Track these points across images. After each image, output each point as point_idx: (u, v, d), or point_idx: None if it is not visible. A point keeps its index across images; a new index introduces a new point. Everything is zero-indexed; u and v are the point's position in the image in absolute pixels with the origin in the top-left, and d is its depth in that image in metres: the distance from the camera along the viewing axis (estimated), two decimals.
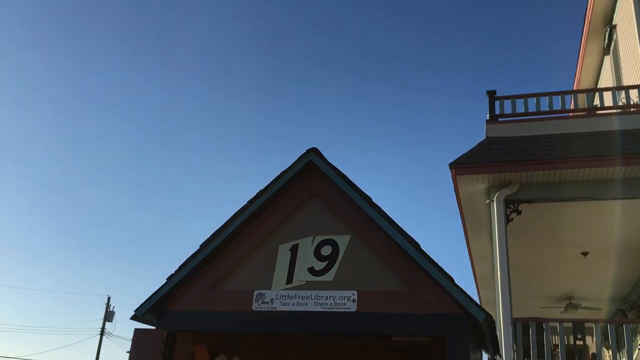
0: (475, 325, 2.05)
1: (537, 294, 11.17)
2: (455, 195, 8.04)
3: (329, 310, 2.19)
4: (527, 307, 10.94)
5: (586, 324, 7.45)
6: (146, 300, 2.30)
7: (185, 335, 2.41)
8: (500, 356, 2.55)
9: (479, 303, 2.02)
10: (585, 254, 9.36)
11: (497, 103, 8.32)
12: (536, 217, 8.27)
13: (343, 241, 2.32)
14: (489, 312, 8.95)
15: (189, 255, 2.35)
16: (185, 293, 2.35)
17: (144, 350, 2.26)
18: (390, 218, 2.22)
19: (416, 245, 2.17)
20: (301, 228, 2.40)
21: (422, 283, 2.12)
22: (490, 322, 2.11)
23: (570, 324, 7.80)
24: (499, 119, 8.23)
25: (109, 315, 36.90)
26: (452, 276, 2.09)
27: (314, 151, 2.41)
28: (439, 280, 2.07)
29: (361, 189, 2.33)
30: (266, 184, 2.40)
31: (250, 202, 2.38)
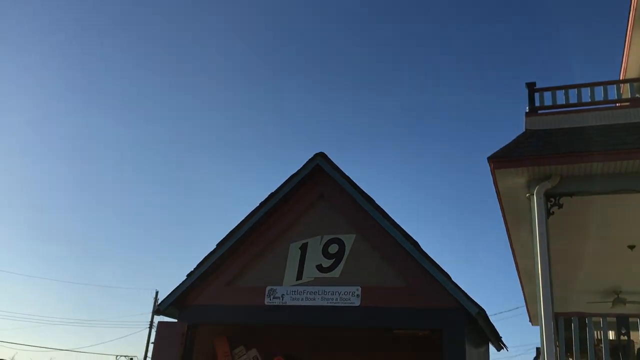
0: (470, 318, 2.18)
1: (583, 289, 10.95)
2: (494, 189, 8.03)
3: (335, 304, 2.37)
4: (574, 302, 10.76)
5: (631, 319, 7.33)
6: (168, 296, 2.53)
7: (207, 328, 2.64)
8: (505, 347, 2.67)
9: (472, 299, 2.16)
10: (631, 247, 9.15)
11: (536, 95, 8.24)
12: (579, 210, 8.16)
13: (349, 240, 2.49)
14: (532, 307, 8.95)
15: (207, 254, 2.57)
16: (204, 289, 2.57)
17: (167, 342, 2.49)
18: (392, 219, 2.38)
19: (416, 244, 2.32)
20: (310, 228, 2.58)
21: (421, 279, 2.27)
22: (484, 316, 2.24)
23: (615, 319, 7.69)
24: (539, 111, 8.16)
25: (157, 309, 37.77)
26: (448, 273, 2.23)
27: (321, 155, 2.58)
28: (436, 277, 2.21)
29: (365, 191, 2.48)
30: (276, 188, 2.58)
31: (262, 205, 2.58)
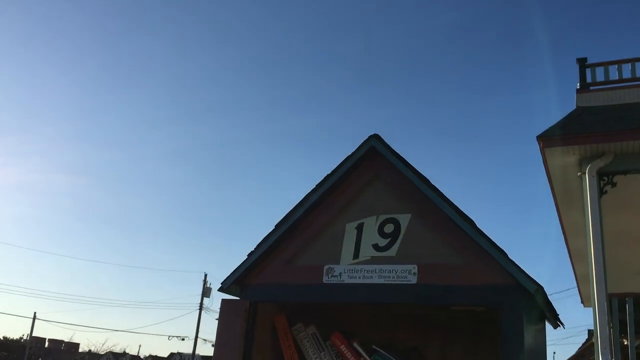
0: (528, 296, 2.24)
1: (638, 270, 10.75)
2: (544, 169, 7.95)
3: (392, 282, 2.46)
4: (628, 284, 10.57)
5: None
6: (230, 274, 2.68)
7: (266, 306, 2.76)
8: (562, 325, 2.71)
9: (529, 275, 2.23)
10: None
11: (588, 71, 8.08)
12: (634, 188, 8.02)
13: (404, 219, 2.57)
14: (585, 287, 8.96)
15: (266, 234, 2.69)
16: (264, 268, 2.70)
17: (231, 318, 2.64)
18: (447, 198, 2.46)
19: (471, 222, 2.39)
20: (365, 208, 2.68)
21: (477, 257, 2.34)
22: (542, 292, 2.30)
23: None
24: (590, 88, 8.01)
25: (206, 291, 39.43)
26: (504, 250, 2.29)
27: (375, 137, 2.67)
28: (492, 254, 2.29)
29: (419, 171, 2.55)
30: (332, 169, 2.67)
31: (318, 186, 2.69)
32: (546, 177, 8.56)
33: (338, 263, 2.68)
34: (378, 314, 3.10)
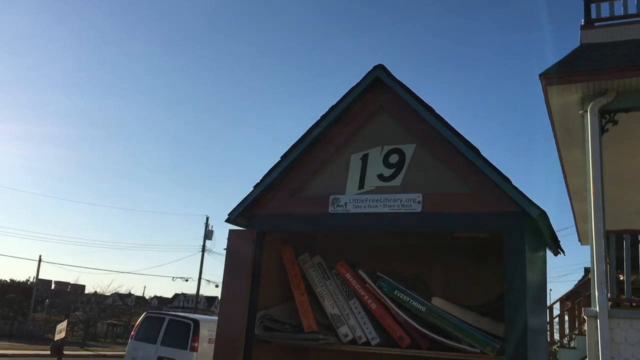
0: (531, 221, 2.28)
1: (636, 208, 10.87)
2: (546, 107, 7.92)
3: (397, 211, 2.50)
4: (626, 222, 10.68)
5: None
6: (237, 205, 2.71)
7: (273, 237, 2.81)
8: (562, 252, 2.77)
9: (533, 201, 2.26)
10: None
11: (593, 6, 7.93)
12: (635, 126, 8.01)
13: (409, 150, 2.59)
14: (583, 226, 9.09)
15: (272, 166, 2.71)
16: (270, 199, 2.74)
17: (239, 247, 2.69)
18: (452, 127, 2.47)
19: (476, 150, 2.40)
20: (370, 139, 2.69)
21: (482, 184, 2.37)
22: (545, 218, 2.33)
23: None
24: (595, 24, 7.87)
25: (208, 234, 40.23)
26: (509, 177, 2.31)
27: (380, 67, 2.65)
28: (497, 181, 2.31)
29: (424, 100, 2.55)
30: (337, 100, 2.67)
31: (323, 118, 2.69)
32: (547, 116, 8.52)
33: (343, 193, 2.71)
34: (382, 244, 3.16)
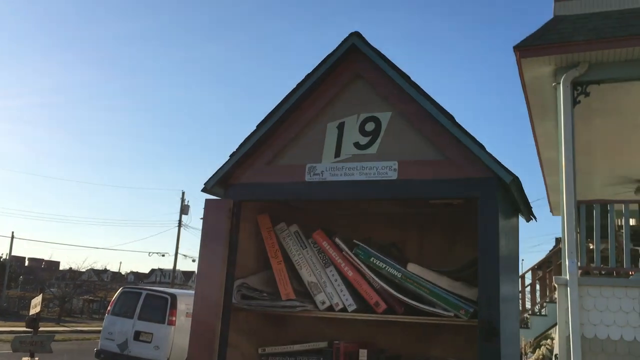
0: (504, 186, 2.31)
1: (607, 179, 11.12)
2: (520, 80, 7.98)
3: (373, 179, 2.52)
4: (597, 193, 10.91)
5: None
6: (213, 175, 2.70)
7: (249, 206, 2.81)
8: (534, 218, 2.82)
9: (506, 167, 2.29)
10: None
11: None
12: (606, 98, 8.15)
13: (385, 117, 2.59)
14: (554, 197, 9.28)
15: (247, 135, 2.69)
16: (246, 169, 2.73)
17: (215, 217, 2.69)
18: (428, 94, 2.47)
19: (451, 117, 2.42)
20: (346, 107, 2.69)
21: (456, 151, 2.39)
22: (518, 184, 2.37)
23: (637, 206, 7.85)
24: None
25: (184, 209, 40.25)
26: (483, 144, 2.33)
27: (356, 35, 2.63)
28: (471, 147, 2.34)
29: (401, 68, 2.55)
30: (312, 68, 2.65)
31: (298, 86, 2.68)
32: (521, 89, 8.59)
33: (320, 162, 2.71)
34: (359, 212, 3.18)
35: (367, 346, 2.93)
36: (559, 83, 7.59)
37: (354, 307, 2.78)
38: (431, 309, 2.60)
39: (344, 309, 2.79)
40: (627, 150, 10.12)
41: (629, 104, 8.40)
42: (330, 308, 2.82)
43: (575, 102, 7.52)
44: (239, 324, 2.87)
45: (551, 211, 13.88)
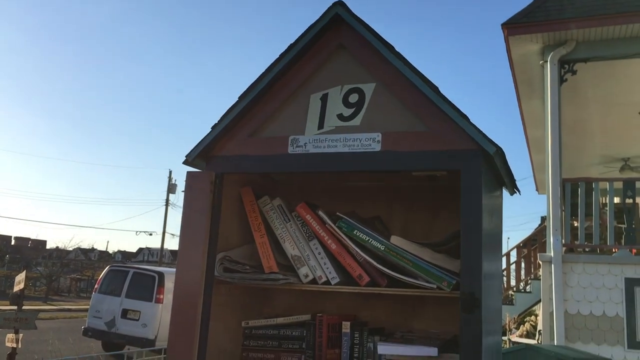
0: (488, 158, 2.29)
1: (592, 158, 11.18)
2: (507, 58, 7.96)
3: (356, 150, 2.49)
4: (582, 172, 10.96)
5: (638, 183, 7.56)
6: (195, 147, 2.66)
7: (232, 179, 2.78)
8: (517, 191, 2.82)
9: (490, 139, 2.26)
10: None
11: None
12: (592, 77, 8.15)
13: (369, 89, 2.56)
14: (540, 176, 9.31)
15: (229, 107, 2.65)
16: (228, 141, 2.69)
17: (197, 189, 2.65)
18: (412, 65, 2.44)
19: (435, 88, 2.39)
20: (330, 78, 2.65)
21: (440, 123, 2.37)
22: (502, 155, 2.35)
23: (621, 185, 7.91)
24: None
25: (172, 188, 40.22)
26: (467, 115, 2.31)
27: (340, 4, 2.58)
28: (454, 118, 2.31)
29: (385, 39, 2.51)
30: (295, 38, 2.60)
31: (281, 56, 2.63)
32: (509, 67, 8.56)
33: (303, 134, 2.68)
34: (343, 185, 3.16)
35: (351, 319, 2.93)
36: (547, 61, 7.59)
37: (337, 280, 2.77)
38: (414, 281, 2.60)
39: (327, 282, 2.78)
40: (613, 129, 10.16)
41: (613, 83, 8.42)
42: (314, 281, 2.81)
43: (562, 80, 7.52)
44: (222, 298, 2.86)
45: (537, 189, 13.97)
